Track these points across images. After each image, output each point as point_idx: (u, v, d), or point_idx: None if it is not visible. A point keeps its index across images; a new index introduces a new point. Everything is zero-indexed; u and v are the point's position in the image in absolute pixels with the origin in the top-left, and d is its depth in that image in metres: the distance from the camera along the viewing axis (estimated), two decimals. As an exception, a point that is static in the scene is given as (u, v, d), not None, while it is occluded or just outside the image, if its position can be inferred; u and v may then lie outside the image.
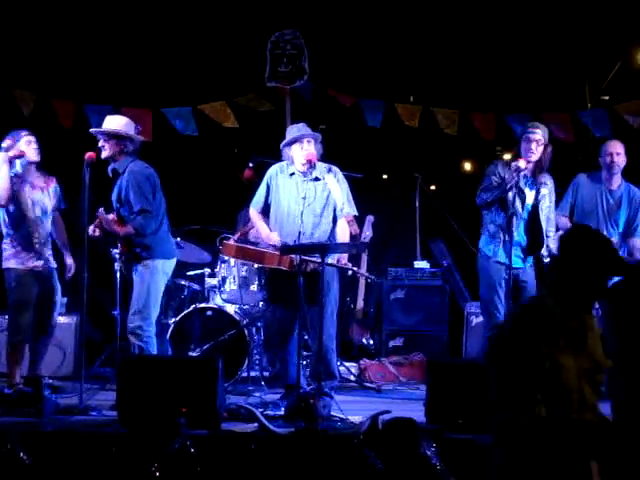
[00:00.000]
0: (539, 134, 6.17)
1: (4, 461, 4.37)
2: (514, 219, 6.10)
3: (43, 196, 6.30)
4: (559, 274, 3.32)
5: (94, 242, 6.03)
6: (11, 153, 6.13)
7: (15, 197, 6.15)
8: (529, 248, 6.20)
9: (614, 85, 8.71)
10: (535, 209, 6.18)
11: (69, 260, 6.40)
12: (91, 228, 6.04)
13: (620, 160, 6.48)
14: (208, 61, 8.60)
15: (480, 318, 7.09)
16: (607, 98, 8.79)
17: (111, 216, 6.05)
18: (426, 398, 5.38)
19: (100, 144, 6.10)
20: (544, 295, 3.35)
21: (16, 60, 8.19)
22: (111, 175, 6.19)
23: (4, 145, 6.16)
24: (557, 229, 6.37)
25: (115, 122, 6.18)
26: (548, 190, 6.26)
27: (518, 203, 6.12)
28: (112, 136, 6.08)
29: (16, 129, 6.29)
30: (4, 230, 6.24)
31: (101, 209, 6.00)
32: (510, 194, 6.08)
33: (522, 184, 6.12)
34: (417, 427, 4.42)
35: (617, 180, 6.56)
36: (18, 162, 6.19)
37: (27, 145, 6.21)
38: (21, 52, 8.25)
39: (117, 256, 6.15)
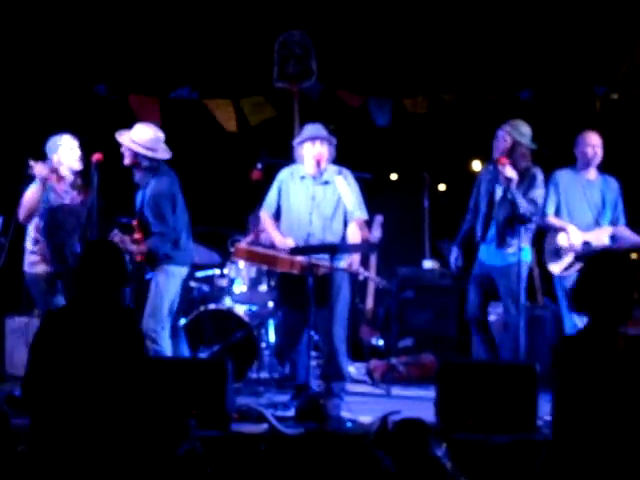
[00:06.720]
0: (506, 130, 6.22)
1: (16, 463, 4.36)
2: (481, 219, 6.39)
3: (81, 208, 6.16)
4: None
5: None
6: (44, 175, 5.95)
7: (53, 209, 6.06)
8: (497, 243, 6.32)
9: (623, 83, 8.69)
10: (498, 204, 6.26)
11: None
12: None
13: (600, 152, 6.49)
14: (215, 62, 8.58)
15: (491, 317, 7.06)
16: (616, 97, 8.76)
17: (127, 238, 5.94)
18: (437, 398, 5.37)
19: (122, 150, 5.95)
20: None
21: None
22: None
23: (37, 172, 5.94)
24: (547, 229, 6.53)
25: (139, 134, 5.92)
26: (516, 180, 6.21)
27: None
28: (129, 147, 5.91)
29: (56, 133, 6.10)
30: (34, 235, 6.12)
31: (115, 231, 5.89)
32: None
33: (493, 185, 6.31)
34: (427, 427, 4.39)
35: (594, 171, 6.57)
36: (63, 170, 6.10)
37: (68, 152, 6.06)
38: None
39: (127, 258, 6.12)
